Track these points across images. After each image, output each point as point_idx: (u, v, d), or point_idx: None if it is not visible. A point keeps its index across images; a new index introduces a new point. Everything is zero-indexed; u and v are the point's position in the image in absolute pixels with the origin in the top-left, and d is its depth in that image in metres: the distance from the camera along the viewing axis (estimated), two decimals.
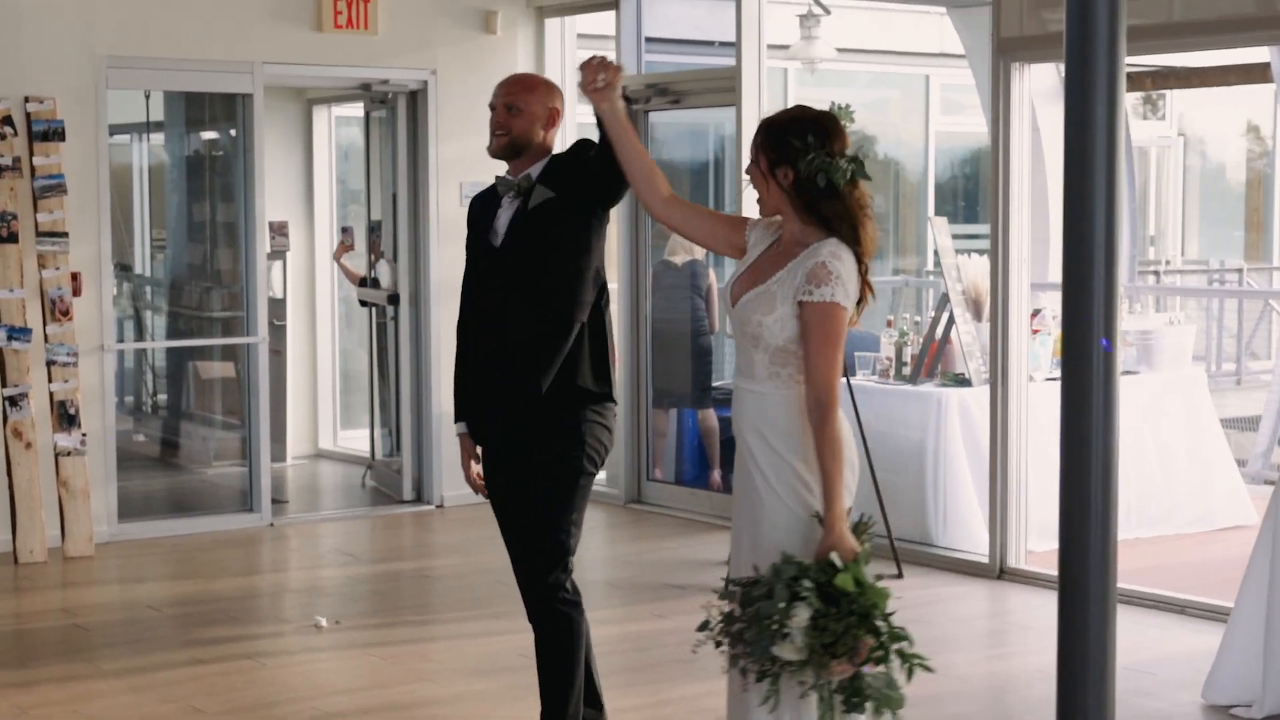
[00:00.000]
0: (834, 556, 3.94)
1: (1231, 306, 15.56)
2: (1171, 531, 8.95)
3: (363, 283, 11.03)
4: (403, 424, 10.31)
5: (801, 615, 3.86)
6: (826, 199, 4.07)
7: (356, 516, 10.03)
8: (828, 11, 10.18)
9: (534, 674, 5.03)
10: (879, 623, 3.90)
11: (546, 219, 4.84)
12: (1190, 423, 9.24)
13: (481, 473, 5.06)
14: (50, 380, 8.79)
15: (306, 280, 12.06)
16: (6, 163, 8.67)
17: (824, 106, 4.25)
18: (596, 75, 4.34)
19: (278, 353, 11.10)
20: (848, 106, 4.45)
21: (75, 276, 8.88)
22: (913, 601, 7.83)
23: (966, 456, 8.56)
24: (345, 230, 11.84)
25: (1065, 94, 3.23)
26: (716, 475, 9.97)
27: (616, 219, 9.70)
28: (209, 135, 11.03)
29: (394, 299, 10.27)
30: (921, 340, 9.00)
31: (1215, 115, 18.70)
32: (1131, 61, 9.87)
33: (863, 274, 4.10)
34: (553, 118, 4.98)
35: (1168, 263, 16.90)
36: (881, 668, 3.96)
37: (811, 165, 4.06)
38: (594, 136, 4.68)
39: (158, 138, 11.31)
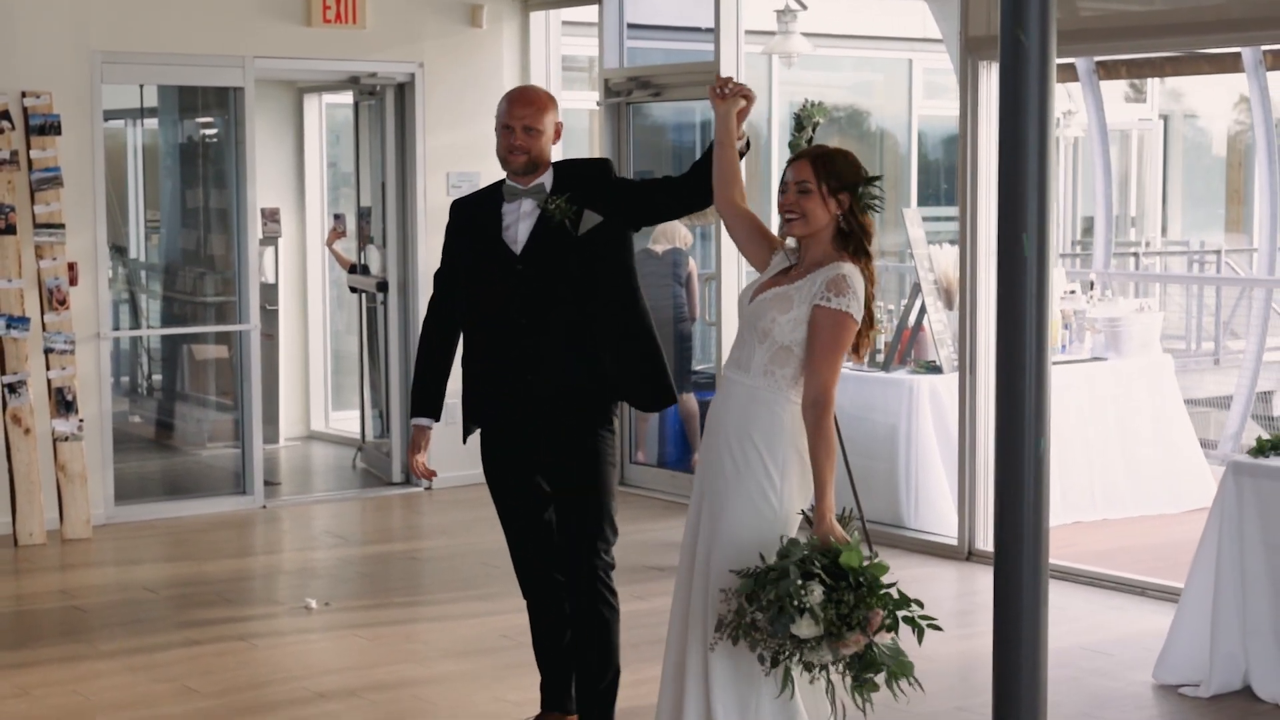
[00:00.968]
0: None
1: (1211, 285, 15.79)
2: (1136, 514, 9.21)
3: (352, 269, 11.26)
4: (391, 409, 10.56)
5: (817, 591, 4.16)
6: (859, 231, 4.50)
7: (347, 498, 10.28)
8: (804, 6, 10.39)
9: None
10: (886, 592, 4.21)
11: (596, 238, 5.17)
12: (1157, 408, 9.49)
13: (426, 462, 5.40)
14: (48, 368, 9.03)
15: (298, 265, 12.30)
16: (4, 156, 8.89)
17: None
18: (726, 85, 4.81)
19: (270, 337, 11.34)
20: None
21: (72, 266, 9.11)
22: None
23: (937, 442, 8.81)
24: (338, 217, 12.07)
25: (1000, 84, 3.59)
26: (697, 458, 10.19)
27: None
28: (202, 120, 11.24)
29: (383, 286, 10.51)
30: (895, 328, 9.25)
31: (1195, 96, 18.90)
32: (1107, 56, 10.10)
33: (868, 302, 4.50)
34: (558, 132, 5.29)
35: (1148, 244, 17.10)
36: (890, 636, 4.24)
37: (867, 195, 4.51)
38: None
39: (152, 123, 11.54)
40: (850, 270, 4.45)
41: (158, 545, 9.00)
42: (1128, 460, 9.29)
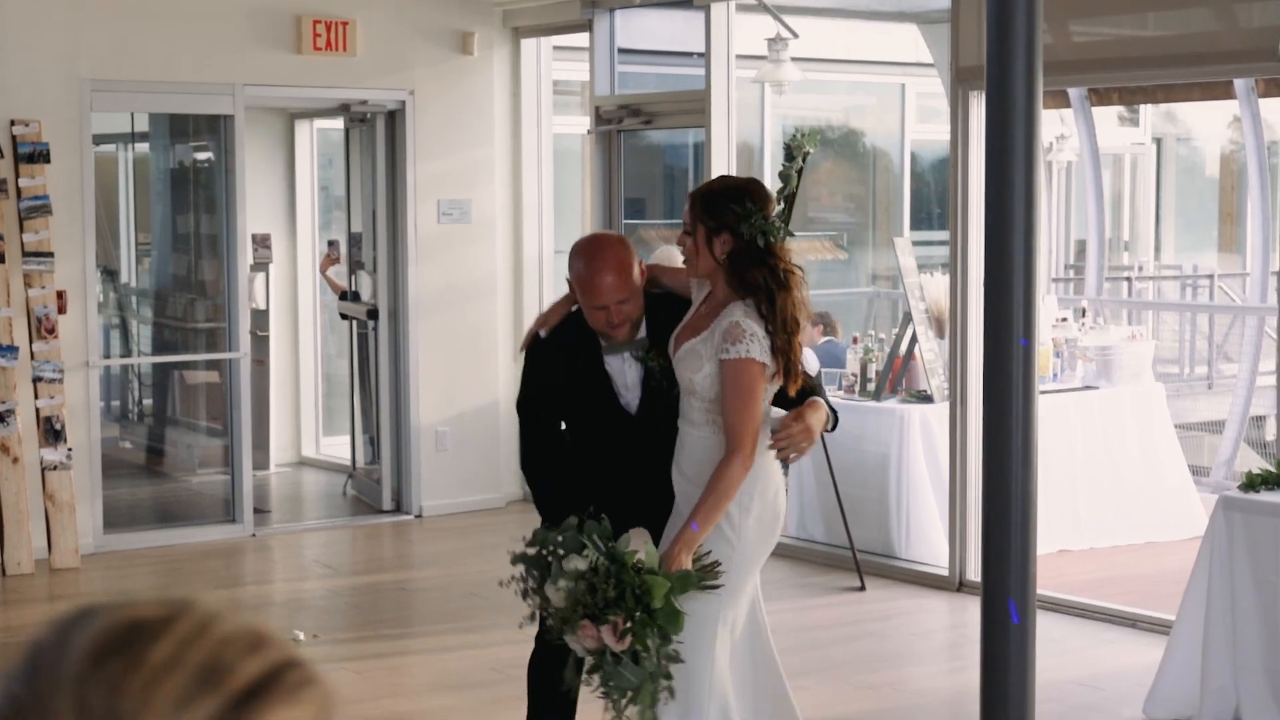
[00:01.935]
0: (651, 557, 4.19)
1: (1204, 312, 15.79)
2: (1125, 543, 9.19)
3: (343, 296, 11.25)
4: (382, 436, 10.53)
5: (576, 564, 4.11)
6: (756, 266, 4.38)
7: (337, 526, 10.25)
8: (795, 35, 10.39)
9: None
10: (645, 615, 4.07)
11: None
12: (1148, 437, 9.47)
13: None
14: (36, 396, 9.01)
15: (289, 291, 12.28)
16: None
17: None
18: (791, 447, 4.55)
19: (261, 362, 11.32)
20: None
21: (61, 295, 9.10)
22: (874, 614, 8.08)
23: (928, 471, 8.79)
24: (331, 244, 12.06)
25: (986, 110, 3.57)
26: None
27: (585, 229, 9.89)
28: (194, 145, 11.22)
29: (373, 313, 10.49)
30: (886, 357, 9.23)
31: (1189, 118, 18.92)
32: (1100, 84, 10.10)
33: (783, 343, 4.37)
34: (642, 270, 4.80)
35: (1140, 269, 17.11)
36: (647, 658, 4.09)
37: (753, 227, 4.34)
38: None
39: (143, 147, 11.53)
40: (741, 313, 4.37)
41: (147, 575, 8.97)
42: (1118, 489, 9.27)
